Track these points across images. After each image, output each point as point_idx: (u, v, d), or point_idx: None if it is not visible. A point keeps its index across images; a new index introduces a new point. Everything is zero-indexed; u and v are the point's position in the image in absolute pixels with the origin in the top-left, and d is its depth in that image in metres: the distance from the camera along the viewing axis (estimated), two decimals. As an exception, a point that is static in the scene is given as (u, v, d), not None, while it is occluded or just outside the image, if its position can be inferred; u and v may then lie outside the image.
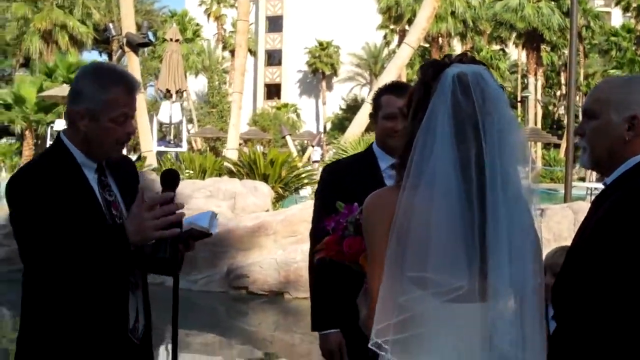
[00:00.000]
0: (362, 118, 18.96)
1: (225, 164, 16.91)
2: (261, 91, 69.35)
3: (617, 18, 65.49)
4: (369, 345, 2.02)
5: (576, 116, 15.77)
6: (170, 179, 2.72)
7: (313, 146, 27.56)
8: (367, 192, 2.92)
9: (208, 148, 40.94)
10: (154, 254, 2.66)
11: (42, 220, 2.56)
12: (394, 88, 3.58)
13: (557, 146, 46.57)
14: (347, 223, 2.36)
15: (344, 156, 13.81)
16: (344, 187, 3.37)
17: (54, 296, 2.64)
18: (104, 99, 2.70)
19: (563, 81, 57.40)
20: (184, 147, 23.28)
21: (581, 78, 54.03)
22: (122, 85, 2.74)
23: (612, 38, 58.90)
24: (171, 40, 16.81)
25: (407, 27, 53.85)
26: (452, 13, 53.81)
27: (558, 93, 59.08)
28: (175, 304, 2.87)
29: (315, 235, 3.49)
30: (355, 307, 2.26)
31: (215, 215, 2.81)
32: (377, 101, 3.60)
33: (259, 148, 23.18)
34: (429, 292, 1.99)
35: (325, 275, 3.43)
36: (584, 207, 10.71)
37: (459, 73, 2.06)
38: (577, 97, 46.48)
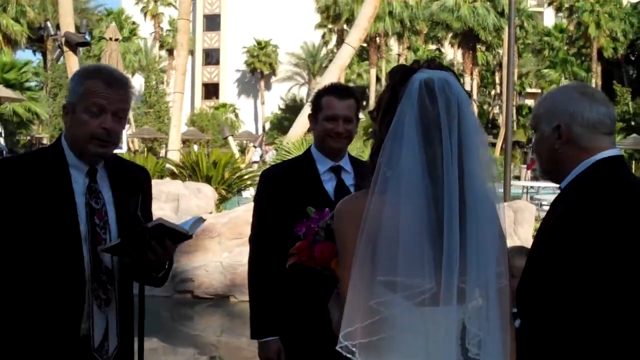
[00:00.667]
0: (304, 118, 18.91)
1: (167, 165, 16.73)
2: (199, 91, 68.87)
3: (549, 18, 66.97)
4: (337, 348, 2.03)
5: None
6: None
7: (255, 147, 27.47)
8: (306, 196, 2.94)
9: (146, 149, 40.46)
10: (120, 261, 2.61)
11: None
12: (335, 90, 3.56)
13: (492, 145, 47.39)
14: (319, 228, 2.37)
15: (287, 157, 13.88)
16: (282, 192, 3.42)
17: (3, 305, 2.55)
18: (81, 90, 2.66)
19: (497, 81, 58.44)
20: (124, 148, 22.93)
21: (515, 77, 55.08)
22: (100, 76, 2.67)
23: (545, 38, 60.27)
24: (110, 39, 16.54)
25: (345, 26, 54.24)
26: (390, 13, 54.34)
27: (493, 92, 60.08)
28: (142, 312, 2.77)
29: (255, 240, 3.56)
30: (303, 313, 2.26)
31: (202, 220, 2.74)
32: (317, 103, 3.56)
33: (195, 148, 22.88)
34: (400, 295, 2.01)
35: (265, 282, 3.45)
36: (523, 206, 10.94)
37: (425, 79, 2.10)
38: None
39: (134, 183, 2.83)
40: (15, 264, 2.52)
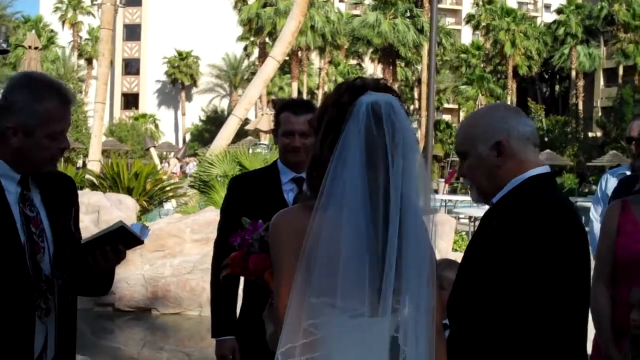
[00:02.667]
0: (228, 131, 18.90)
1: (87, 176, 16.40)
2: (118, 101, 67.79)
3: (467, 36, 68.53)
4: None
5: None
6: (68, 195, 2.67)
7: (178, 158, 27.19)
8: (268, 205, 2.98)
9: (63, 159, 39.58)
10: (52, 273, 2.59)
11: None
12: (291, 105, 3.70)
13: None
14: (253, 240, 2.37)
15: (210, 169, 13.83)
16: (245, 199, 3.59)
17: None
18: (40, 113, 2.56)
19: (416, 96, 59.32)
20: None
21: (434, 93, 55.99)
22: (59, 98, 2.60)
23: (463, 55, 61.63)
24: (30, 47, 16.17)
25: (267, 39, 54.28)
26: (312, 27, 54.61)
27: (412, 108, 60.97)
28: (73, 327, 2.74)
29: (219, 246, 3.70)
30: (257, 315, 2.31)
31: (146, 227, 2.73)
32: (277, 118, 3.72)
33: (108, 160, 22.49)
34: (328, 317, 2.05)
35: (224, 285, 3.57)
36: (444, 219, 11.13)
37: (373, 103, 2.11)
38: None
39: (64, 192, 2.79)
40: None
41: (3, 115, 2.59)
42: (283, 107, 3.72)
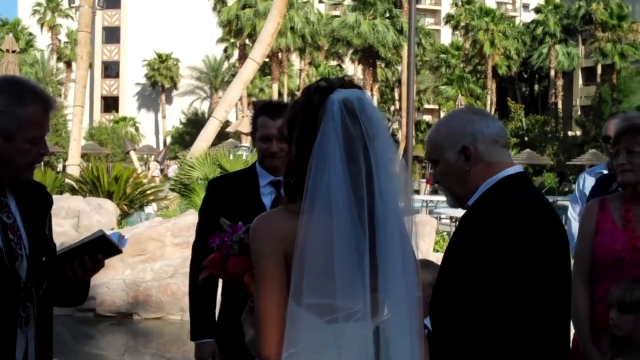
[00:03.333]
0: (208, 133, 18.86)
1: (67, 180, 16.30)
2: (98, 104, 67.45)
3: (446, 36, 68.79)
4: None
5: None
6: (43, 201, 2.65)
7: (158, 161, 27.08)
8: (246, 207, 2.98)
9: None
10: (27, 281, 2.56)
11: None
12: (269, 109, 3.68)
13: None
14: (232, 242, 2.35)
15: (191, 172, 13.79)
16: (223, 201, 3.59)
17: None
18: (21, 117, 2.52)
19: (397, 97, 59.45)
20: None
21: (414, 94, 56.12)
22: (40, 102, 2.57)
23: (442, 55, 61.86)
24: (7, 51, 16.05)
25: (247, 41, 54.21)
26: (292, 28, 54.62)
27: (392, 108, 61.13)
28: (49, 336, 2.72)
29: (197, 249, 3.71)
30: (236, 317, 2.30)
31: (123, 236, 2.69)
32: (254, 122, 3.71)
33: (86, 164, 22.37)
34: (325, 319, 2.05)
35: (203, 288, 3.58)
36: (425, 219, 11.16)
37: (344, 99, 2.13)
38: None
39: (38, 199, 2.76)
40: None
41: None
42: (260, 111, 3.72)
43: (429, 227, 10.63)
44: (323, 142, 2.09)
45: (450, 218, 17.48)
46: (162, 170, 31.01)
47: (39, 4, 63.31)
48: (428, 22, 69.27)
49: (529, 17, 66.11)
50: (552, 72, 59.82)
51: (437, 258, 7.54)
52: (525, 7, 73.94)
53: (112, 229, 11.50)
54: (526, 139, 49.54)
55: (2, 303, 2.49)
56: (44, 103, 2.59)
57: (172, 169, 27.17)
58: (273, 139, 3.58)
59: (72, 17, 59.97)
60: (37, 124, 2.56)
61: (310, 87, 2.24)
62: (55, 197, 12.72)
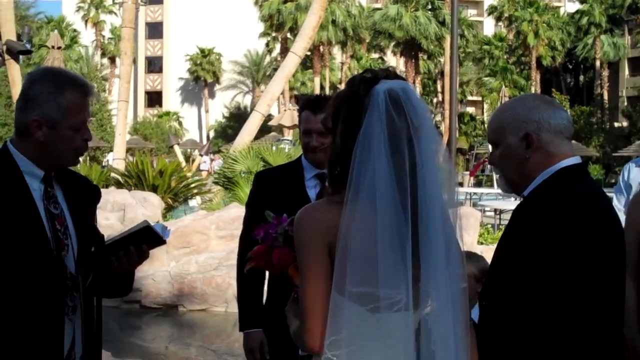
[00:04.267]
0: (250, 127, 18.93)
1: (113, 174, 16.51)
2: (142, 99, 68.16)
3: (489, 27, 68.07)
4: (322, 358, 2.08)
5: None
6: (91, 193, 2.70)
7: (202, 155, 27.24)
8: (291, 200, 3.00)
9: (88, 158, 39.85)
10: (76, 272, 2.60)
11: None
12: (312, 104, 3.69)
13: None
14: (277, 234, 2.36)
15: (234, 165, 13.87)
16: (269, 194, 3.62)
17: None
18: (61, 105, 2.57)
19: (439, 89, 59.06)
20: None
21: (457, 85, 55.66)
22: (79, 89, 2.62)
23: (485, 47, 61.19)
24: (53, 47, 16.29)
25: (289, 35, 54.26)
26: (333, 21, 54.52)
27: (435, 100, 60.73)
28: (99, 326, 2.76)
29: (244, 240, 3.74)
30: (282, 307, 2.33)
31: (166, 227, 2.71)
32: (299, 116, 3.76)
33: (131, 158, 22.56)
34: (368, 308, 2.05)
35: (250, 278, 3.61)
36: (469, 212, 11.10)
37: (389, 90, 2.13)
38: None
39: (86, 192, 2.80)
40: None
41: (25, 110, 2.59)
42: (304, 105, 3.75)
43: (473, 219, 10.57)
44: (368, 133, 2.09)
45: (495, 210, 17.34)
46: (211, 161, 31.13)
47: (83, 1, 64.11)
48: (471, 14, 68.60)
49: (573, 7, 65.05)
50: (598, 63, 58.88)
51: (482, 250, 7.49)
52: (570, -3, 72.90)
53: (157, 222, 11.60)
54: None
55: (49, 292, 2.54)
56: (82, 89, 2.63)
57: (217, 163, 27.31)
58: (314, 134, 3.61)
59: (115, 14, 60.58)
60: (78, 110, 2.60)
61: (354, 78, 2.24)
62: (101, 190, 12.96)
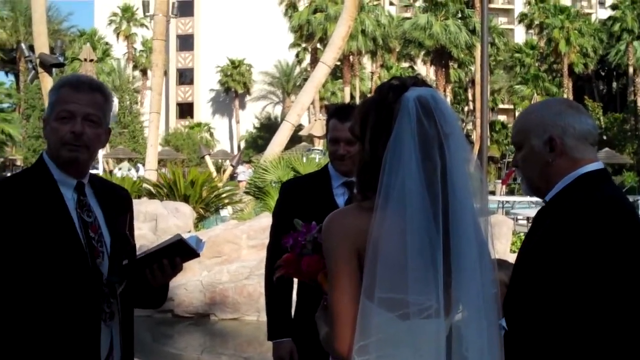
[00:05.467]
0: (281, 137, 18.98)
1: (145, 185, 16.65)
2: (173, 110, 68.69)
3: (520, 35, 67.69)
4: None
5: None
6: (123, 202, 2.74)
7: (233, 166, 27.37)
8: (319, 208, 3.00)
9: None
10: (108, 279, 2.62)
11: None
12: (339, 113, 3.70)
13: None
14: (306, 242, 2.37)
15: (265, 176, 13.91)
16: (296, 203, 3.60)
17: (15, 322, 2.50)
18: (52, 101, 2.68)
19: (470, 97, 58.79)
20: (100, 169, 22.76)
21: (488, 94, 55.30)
22: (68, 83, 2.69)
23: (516, 55, 60.88)
24: (85, 60, 16.53)
25: (318, 45, 54.35)
26: (363, 31, 54.52)
27: (466, 109, 60.47)
28: (130, 333, 2.78)
29: (272, 250, 3.73)
30: (311, 316, 2.33)
31: (200, 240, 2.73)
32: (327, 124, 3.76)
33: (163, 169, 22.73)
34: (397, 314, 2.05)
35: (278, 288, 3.62)
36: (501, 220, 11.02)
37: (419, 97, 2.14)
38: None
39: (119, 200, 2.84)
40: (23, 285, 2.49)
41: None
42: (332, 114, 3.76)
43: (506, 227, 10.49)
44: (398, 139, 2.09)
45: (527, 219, 17.20)
46: (233, 177, 31.27)
47: (115, 14, 64.81)
48: (501, 22, 68.31)
49: (605, 13, 64.50)
50: (631, 69, 58.24)
51: (514, 259, 7.41)
52: (601, 3, 72.12)
53: (189, 232, 11.69)
54: (605, 137, 48.35)
55: (84, 298, 2.57)
56: (72, 84, 2.68)
57: (248, 174, 27.38)
58: (341, 142, 3.62)
59: (146, 26, 61.17)
60: (64, 101, 2.64)
61: (383, 85, 2.24)
62: (133, 201, 13.03)
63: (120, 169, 30.76)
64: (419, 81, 2.23)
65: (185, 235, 2.74)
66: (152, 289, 2.73)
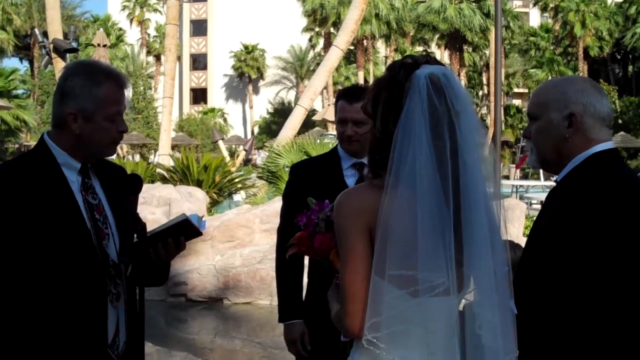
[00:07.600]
0: (294, 121, 18.96)
1: (158, 170, 16.70)
2: (187, 96, 68.76)
3: (535, 18, 67.23)
4: (363, 341, 2.08)
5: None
6: (133, 183, 2.72)
7: (246, 150, 27.40)
8: (329, 190, 3.00)
9: (139, 154, 40.48)
10: (119, 260, 2.63)
11: (3, 225, 2.49)
12: (347, 94, 3.70)
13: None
14: (318, 220, 2.38)
15: (278, 160, 13.90)
16: (306, 185, 3.59)
17: (22, 305, 2.51)
18: (97, 97, 2.61)
19: (485, 81, 58.52)
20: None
21: (502, 78, 55.03)
22: (114, 80, 2.66)
23: (531, 38, 60.46)
24: (99, 45, 16.55)
25: (332, 29, 54.21)
26: (376, 15, 54.34)
27: (480, 93, 60.19)
28: (142, 316, 2.78)
29: (282, 232, 3.74)
30: (322, 298, 2.34)
31: (201, 218, 2.76)
32: (335, 106, 3.73)
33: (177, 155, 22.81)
34: (408, 291, 2.05)
35: (289, 270, 3.67)
36: (514, 204, 10.98)
37: (430, 74, 2.13)
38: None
39: (122, 182, 2.82)
40: (29, 268, 2.50)
41: (61, 103, 2.64)
42: (339, 95, 3.75)
43: (519, 211, 10.45)
44: (409, 117, 2.09)
45: (541, 203, 17.14)
46: (249, 160, 31.34)
47: (128, 0, 64.88)
48: (516, 5, 67.82)
49: (621, -4, 63.97)
50: (647, 53, 57.79)
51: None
52: (618, -15, 71.63)
53: (203, 216, 11.69)
54: (620, 121, 48.00)
55: (91, 279, 2.58)
56: (117, 80, 2.67)
57: (263, 157, 27.43)
58: (349, 123, 3.61)
59: (160, 12, 61.26)
60: (113, 101, 2.64)
61: (395, 63, 2.24)
62: (147, 185, 13.10)
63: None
64: (431, 59, 2.22)
65: (188, 214, 2.76)
66: (155, 267, 2.75)
